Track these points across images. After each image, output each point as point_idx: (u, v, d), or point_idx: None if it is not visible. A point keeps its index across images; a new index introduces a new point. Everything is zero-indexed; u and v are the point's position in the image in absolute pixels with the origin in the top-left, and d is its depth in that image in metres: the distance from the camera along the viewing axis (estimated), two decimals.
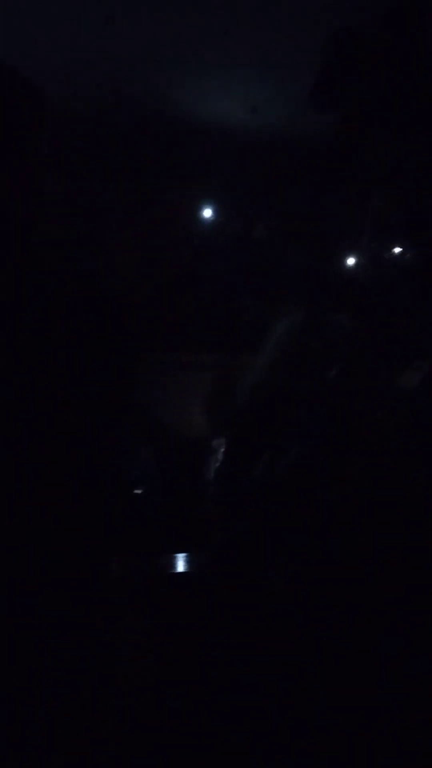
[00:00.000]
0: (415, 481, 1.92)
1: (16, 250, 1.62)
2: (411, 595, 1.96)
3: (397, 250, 2.18)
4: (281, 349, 2.30)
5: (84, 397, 1.83)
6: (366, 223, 2.34)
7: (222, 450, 2.49)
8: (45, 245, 1.92)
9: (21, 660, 1.58)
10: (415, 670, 1.90)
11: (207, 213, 4.79)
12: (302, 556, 2.14)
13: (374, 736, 1.88)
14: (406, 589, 1.97)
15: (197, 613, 2.24)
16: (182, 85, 4.05)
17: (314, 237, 3.79)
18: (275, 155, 4.40)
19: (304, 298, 2.46)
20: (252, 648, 2.07)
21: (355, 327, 2.19)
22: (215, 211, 4.75)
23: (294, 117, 2.52)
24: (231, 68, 3.76)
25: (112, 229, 4.55)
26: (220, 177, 4.60)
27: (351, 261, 2.40)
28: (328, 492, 2.06)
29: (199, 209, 4.82)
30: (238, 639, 2.10)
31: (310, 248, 3.72)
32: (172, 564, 2.60)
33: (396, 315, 2.09)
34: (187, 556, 2.61)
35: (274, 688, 2.00)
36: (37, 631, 1.65)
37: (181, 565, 2.59)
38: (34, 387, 1.73)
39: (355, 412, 2.07)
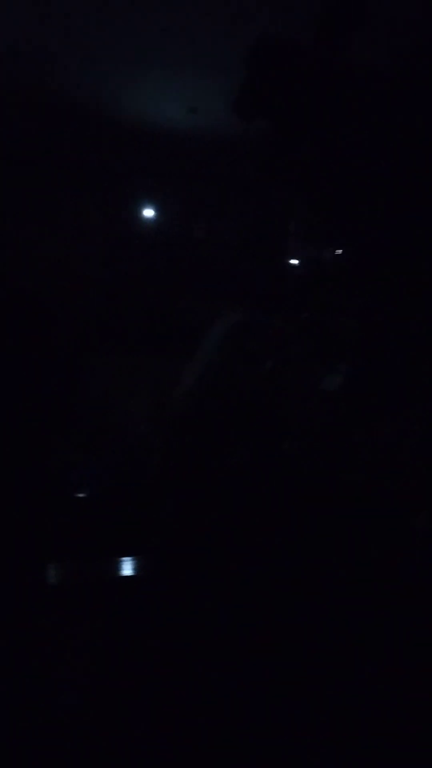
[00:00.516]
0: (340, 480, 1.97)
1: None
2: (345, 588, 2.01)
3: (326, 254, 2.23)
4: (217, 351, 2.32)
5: (23, 402, 1.81)
6: (296, 227, 2.38)
7: (162, 452, 2.49)
8: None
9: None
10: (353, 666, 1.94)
11: (147, 213, 4.77)
12: (245, 555, 2.16)
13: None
14: (343, 582, 2.01)
15: (141, 617, 2.23)
16: (122, 84, 4.03)
17: (250, 239, 3.82)
18: (215, 156, 4.42)
19: (239, 300, 2.48)
20: (194, 649, 2.08)
21: (289, 329, 2.22)
22: (155, 212, 4.74)
23: (234, 119, 2.52)
24: (171, 68, 3.76)
25: (46, 231, 4.49)
26: (159, 176, 4.59)
27: (283, 264, 2.43)
28: (264, 491, 2.09)
29: (139, 209, 4.79)
30: (182, 641, 2.11)
31: (246, 250, 3.75)
32: (116, 568, 2.58)
33: (324, 318, 2.13)
34: (131, 560, 2.60)
35: (218, 686, 2.01)
36: None
37: (125, 569, 2.57)
38: None
39: (286, 413, 2.11)
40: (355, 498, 1.96)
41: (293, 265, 2.40)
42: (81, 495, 3.53)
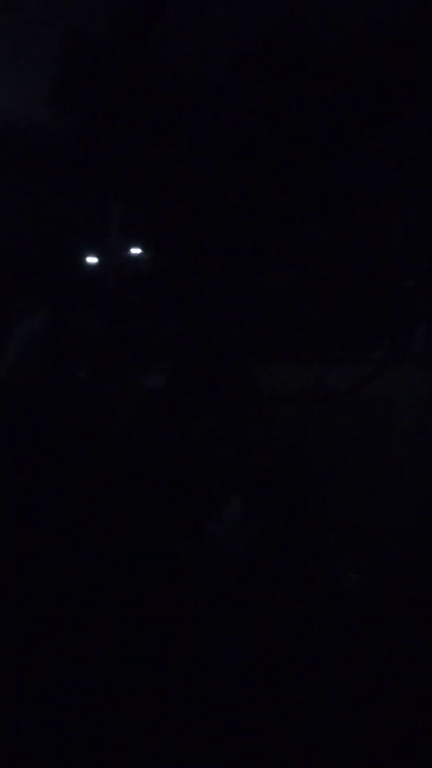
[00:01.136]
0: (160, 481, 1.99)
1: None
2: (162, 586, 2.03)
3: (136, 252, 2.24)
4: (25, 348, 2.23)
5: None
6: (107, 223, 2.36)
7: None
8: None
9: None
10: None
11: None
12: (52, 561, 2.09)
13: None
14: (160, 580, 2.03)
15: None
16: None
17: (54, 232, 3.71)
18: (10, 144, 4.22)
19: (45, 296, 2.40)
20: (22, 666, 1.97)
21: (100, 327, 2.20)
22: None
23: (30, 109, 2.45)
24: None
25: None
26: None
27: (93, 261, 2.40)
28: (78, 493, 2.04)
29: None
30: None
31: (50, 244, 3.63)
32: None
33: (139, 316, 2.14)
34: None
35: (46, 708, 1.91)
36: None
37: None
38: None
39: (103, 413, 2.08)
40: (169, 495, 1.99)
41: (107, 262, 2.38)
42: None
